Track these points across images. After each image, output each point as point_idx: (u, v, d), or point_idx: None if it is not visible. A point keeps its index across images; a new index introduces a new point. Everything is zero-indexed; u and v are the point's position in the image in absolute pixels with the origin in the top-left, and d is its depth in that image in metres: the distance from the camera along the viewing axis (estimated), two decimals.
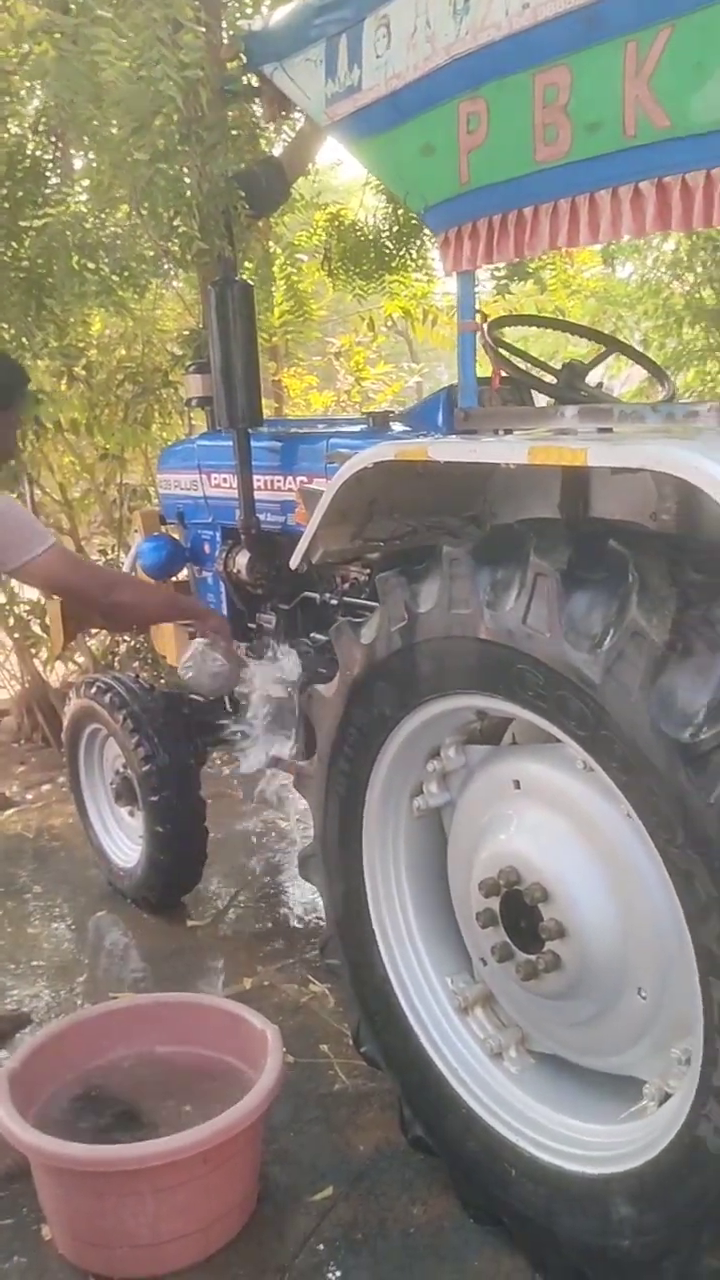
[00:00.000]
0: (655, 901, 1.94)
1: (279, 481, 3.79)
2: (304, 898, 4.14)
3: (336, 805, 2.56)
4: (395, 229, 6.03)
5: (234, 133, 3.01)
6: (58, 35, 2.40)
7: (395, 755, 2.42)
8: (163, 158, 2.78)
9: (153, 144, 2.72)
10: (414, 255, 6.16)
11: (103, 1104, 2.59)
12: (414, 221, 6.10)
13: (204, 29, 2.80)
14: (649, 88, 1.83)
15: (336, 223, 5.89)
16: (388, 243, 6.06)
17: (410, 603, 2.20)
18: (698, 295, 9.31)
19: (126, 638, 6.28)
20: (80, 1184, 2.23)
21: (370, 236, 5.97)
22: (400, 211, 5.99)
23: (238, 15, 2.85)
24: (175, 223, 4.59)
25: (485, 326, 3.16)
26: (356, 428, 3.61)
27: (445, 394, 3.33)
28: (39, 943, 3.90)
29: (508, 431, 2.28)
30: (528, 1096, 2.34)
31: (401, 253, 6.08)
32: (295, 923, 3.96)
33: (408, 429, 3.45)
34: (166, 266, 4.31)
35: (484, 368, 3.67)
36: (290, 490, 3.73)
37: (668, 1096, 2.03)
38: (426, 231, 6.29)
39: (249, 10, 2.87)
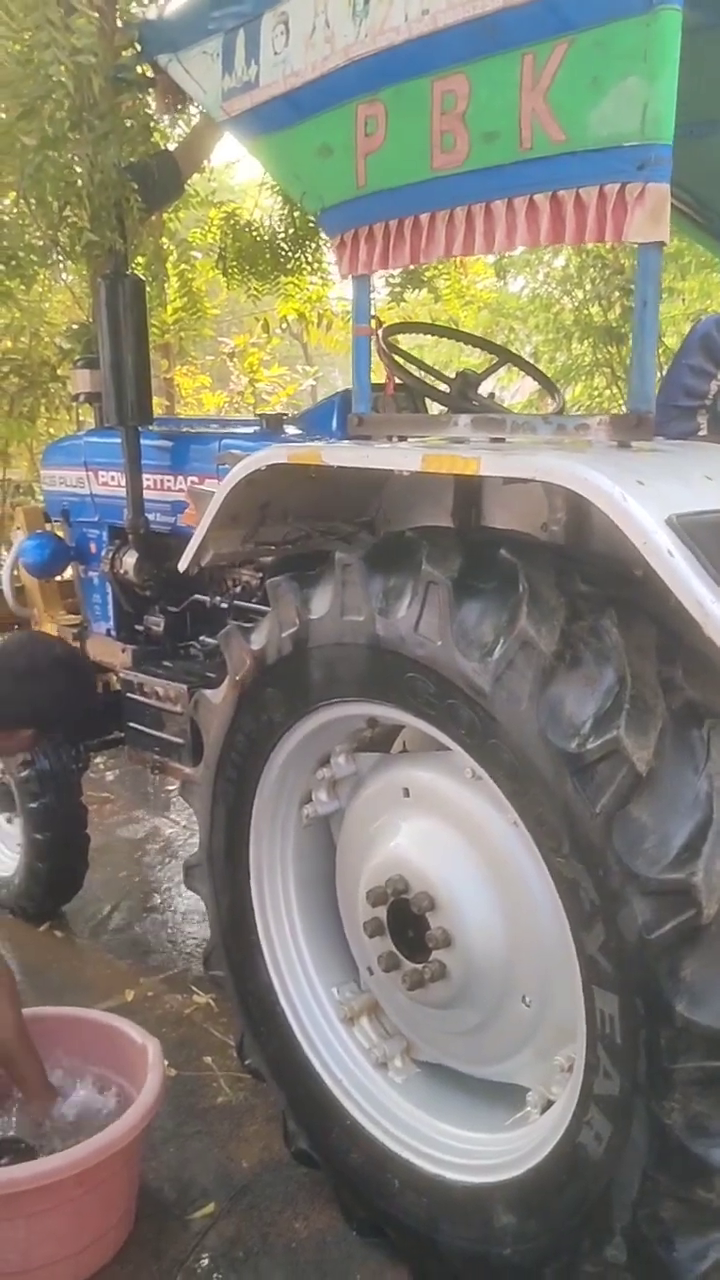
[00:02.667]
0: (540, 910, 1.95)
1: (169, 481, 3.72)
2: (188, 907, 4.07)
3: (223, 813, 2.51)
4: (291, 231, 6.00)
5: (127, 123, 2.92)
6: None
7: (284, 762, 2.38)
8: (51, 145, 2.69)
9: (41, 129, 2.63)
10: (309, 258, 6.14)
11: None
12: (310, 224, 6.08)
13: (97, 14, 2.73)
14: (545, 101, 1.84)
15: (232, 221, 5.82)
16: (283, 244, 6.02)
17: (302, 608, 2.17)
18: (586, 311, 9.54)
19: None
20: None
21: (266, 237, 5.93)
22: (296, 214, 5.96)
23: (131, 3, 2.76)
24: (65, 213, 4.48)
25: (380, 332, 3.16)
26: (249, 430, 3.57)
27: (340, 399, 3.32)
28: None
29: (402, 438, 2.27)
30: (412, 1106, 2.33)
31: (297, 255, 6.06)
32: (179, 933, 3.89)
33: (301, 432, 3.43)
34: (55, 258, 4.19)
35: (379, 374, 3.68)
36: (181, 491, 3.66)
37: (550, 1104, 2.04)
38: (323, 235, 6.31)
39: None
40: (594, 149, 1.79)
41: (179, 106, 2.92)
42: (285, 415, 3.51)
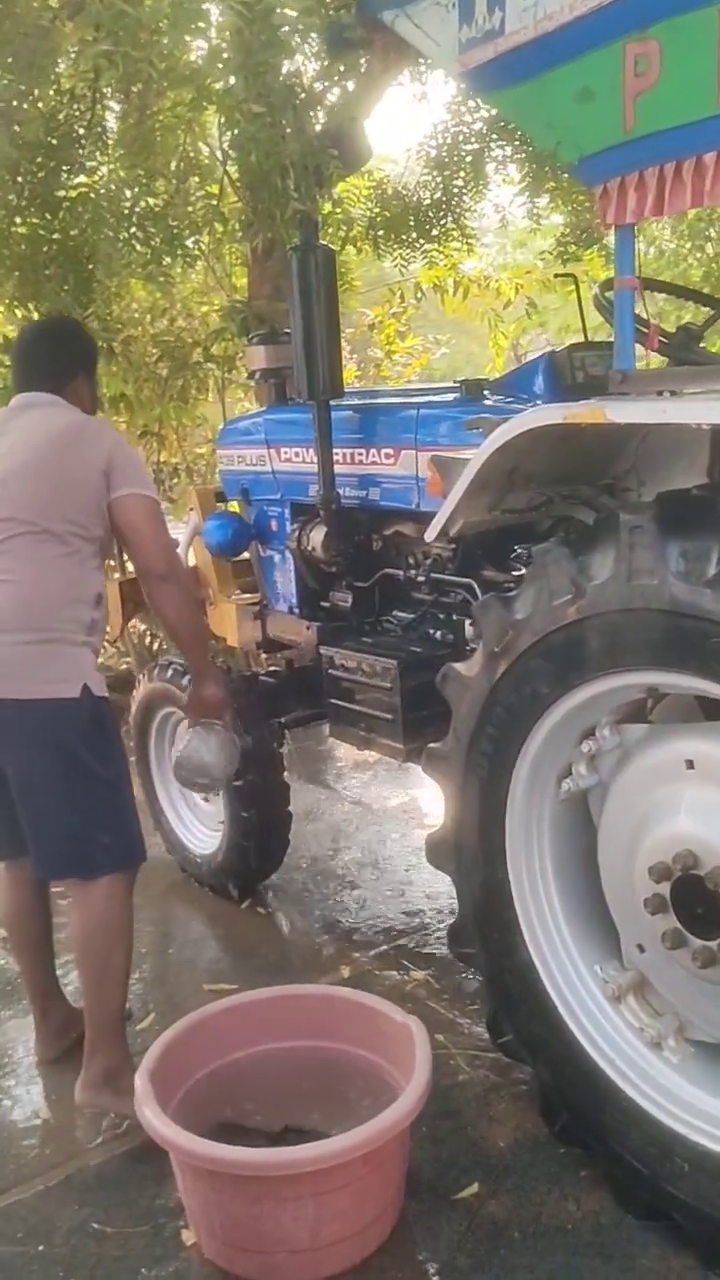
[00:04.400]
0: None
1: (360, 455, 3.67)
2: (385, 882, 4.05)
3: (476, 788, 2.45)
4: (436, 197, 5.90)
5: (334, 87, 2.86)
6: None
7: (546, 736, 2.31)
8: (275, 111, 2.64)
9: (265, 96, 2.58)
10: (454, 224, 6.03)
11: (240, 1102, 2.49)
12: (456, 190, 5.97)
13: None
14: None
15: (381, 190, 5.73)
16: (429, 211, 5.91)
17: (578, 575, 2.09)
18: (716, 265, 9.19)
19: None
20: (236, 1189, 2.13)
21: (412, 204, 5.82)
22: (441, 179, 5.86)
23: None
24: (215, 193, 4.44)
25: (598, 288, 3.05)
26: (446, 398, 3.48)
27: (547, 360, 3.22)
28: None
29: (672, 393, 2.17)
30: (694, 1087, 2.25)
31: (443, 221, 5.94)
32: (381, 909, 3.86)
33: (502, 397, 3.33)
34: (234, 231, 4.15)
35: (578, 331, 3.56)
36: (373, 464, 3.61)
37: None
38: (466, 199, 6.18)
39: None
40: None
41: (398, 64, 2.84)
42: (485, 380, 3.41)
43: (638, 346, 2.32)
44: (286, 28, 2.42)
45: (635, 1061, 2.33)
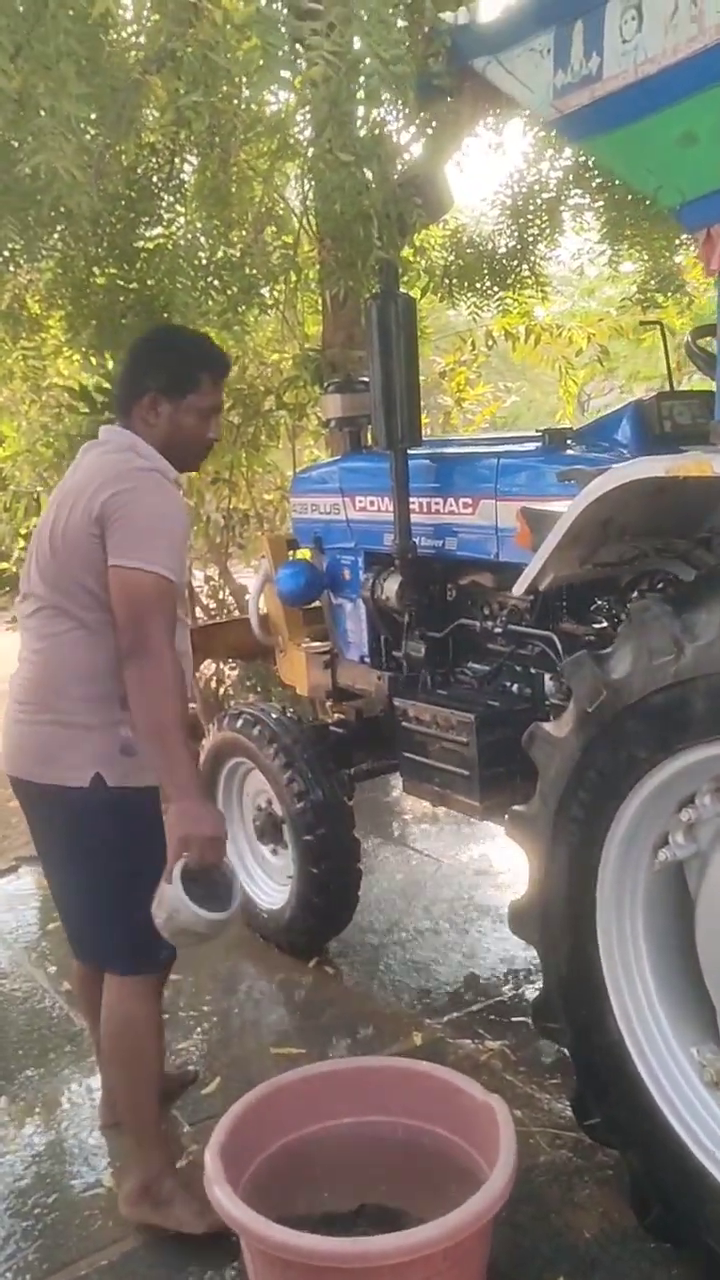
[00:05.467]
0: None
1: (437, 504, 3.60)
2: (460, 945, 3.92)
3: (566, 855, 2.34)
4: (511, 245, 5.87)
5: (429, 132, 2.83)
6: (263, 27, 2.25)
7: (643, 802, 2.20)
8: (362, 161, 2.61)
9: (352, 145, 2.55)
10: (529, 271, 5.99)
11: (313, 1180, 2.37)
12: (530, 238, 5.95)
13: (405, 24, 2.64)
14: None
15: (456, 238, 5.72)
16: (503, 260, 5.89)
17: (681, 634, 1.98)
18: None
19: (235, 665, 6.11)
20: (311, 1278, 2.01)
21: (487, 252, 5.80)
22: (518, 226, 5.84)
23: (434, 8, 2.66)
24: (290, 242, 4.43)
25: (689, 336, 2.97)
26: (528, 446, 3.41)
27: (633, 409, 3.14)
28: (181, 990, 3.69)
29: None
30: None
31: (517, 269, 5.91)
32: (455, 972, 3.73)
33: (585, 447, 3.25)
34: (306, 279, 4.14)
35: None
36: (451, 513, 3.54)
37: None
38: (541, 247, 6.15)
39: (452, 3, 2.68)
40: None
41: (489, 111, 2.80)
42: (569, 429, 3.33)
43: None
44: (375, 76, 2.39)
45: None
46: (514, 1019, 3.35)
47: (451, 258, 5.75)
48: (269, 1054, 3.25)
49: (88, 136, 2.89)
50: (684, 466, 1.99)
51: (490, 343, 7.18)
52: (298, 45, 2.43)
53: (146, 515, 2.34)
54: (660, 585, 2.87)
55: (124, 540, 2.30)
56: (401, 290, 3.50)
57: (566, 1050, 2.48)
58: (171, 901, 2.20)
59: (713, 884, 2.20)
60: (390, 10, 2.44)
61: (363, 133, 2.54)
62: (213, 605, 6.55)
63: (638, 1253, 2.38)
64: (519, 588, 2.53)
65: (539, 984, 2.62)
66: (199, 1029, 3.45)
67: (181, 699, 2.33)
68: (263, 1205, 2.16)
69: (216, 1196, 2.09)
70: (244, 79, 2.43)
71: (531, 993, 3.44)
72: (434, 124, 2.89)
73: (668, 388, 3.76)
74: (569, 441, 3.27)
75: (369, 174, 2.81)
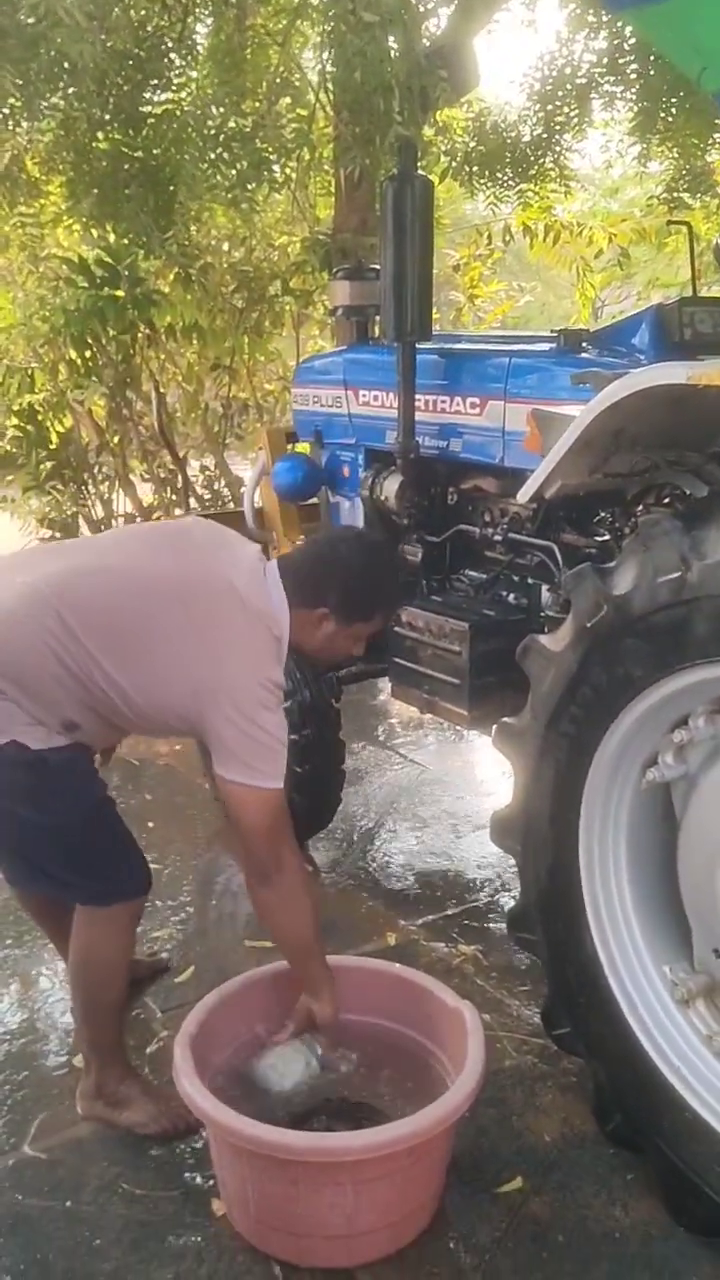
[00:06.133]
0: None
1: (443, 403, 3.48)
2: (441, 848, 3.94)
3: (553, 769, 2.30)
4: (536, 133, 5.60)
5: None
6: None
7: (635, 721, 2.15)
8: (387, 25, 2.43)
9: (376, 7, 2.37)
10: (553, 164, 5.73)
11: (281, 1075, 2.39)
12: (557, 127, 5.67)
13: None
14: None
15: (478, 123, 5.45)
16: (527, 149, 5.62)
17: (690, 552, 1.91)
18: None
19: None
20: (275, 1170, 2.04)
21: (510, 140, 5.53)
22: (545, 114, 5.56)
23: None
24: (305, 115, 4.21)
25: (718, 239, 2.82)
26: (543, 347, 3.28)
27: (653, 313, 3.01)
28: (159, 880, 3.68)
29: None
30: None
31: (541, 160, 5.65)
32: (432, 876, 3.75)
33: (601, 352, 3.12)
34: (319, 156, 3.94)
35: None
36: (457, 413, 3.43)
37: None
38: (568, 138, 5.87)
39: None
40: None
41: None
42: (585, 331, 3.20)
43: None
44: None
45: (700, 1070, 2.20)
46: (488, 925, 3.38)
47: (474, 143, 5.48)
48: (243, 946, 3.27)
49: None
50: (707, 375, 1.89)
51: (508, 237, 6.91)
52: None
53: (263, 732, 2.26)
54: (667, 500, 2.79)
55: (245, 756, 2.24)
56: (420, 173, 3.33)
57: (541, 962, 2.48)
58: (270, 1064, 2.38)
59: (698, 806, 2.17)
60: None
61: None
62: (208, 496, 6.42)
63: (596, 1158, 2.41)
64: (524, 493, 2.44)
65: (516, 892, 2.61)
66: (175, 918, 3.48)
67: (315, 909, 2.42)
68: (230, 1097, 2.19)
69: (184, 1088, 2.10)
70: None
71: (508, 900, 3.45)
72: None
73: (690, 293, 3.61)
74: (584, 344, 3.14)
75: (393, 41, 2.62)
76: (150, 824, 4.13)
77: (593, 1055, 2.38)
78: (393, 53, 2.59)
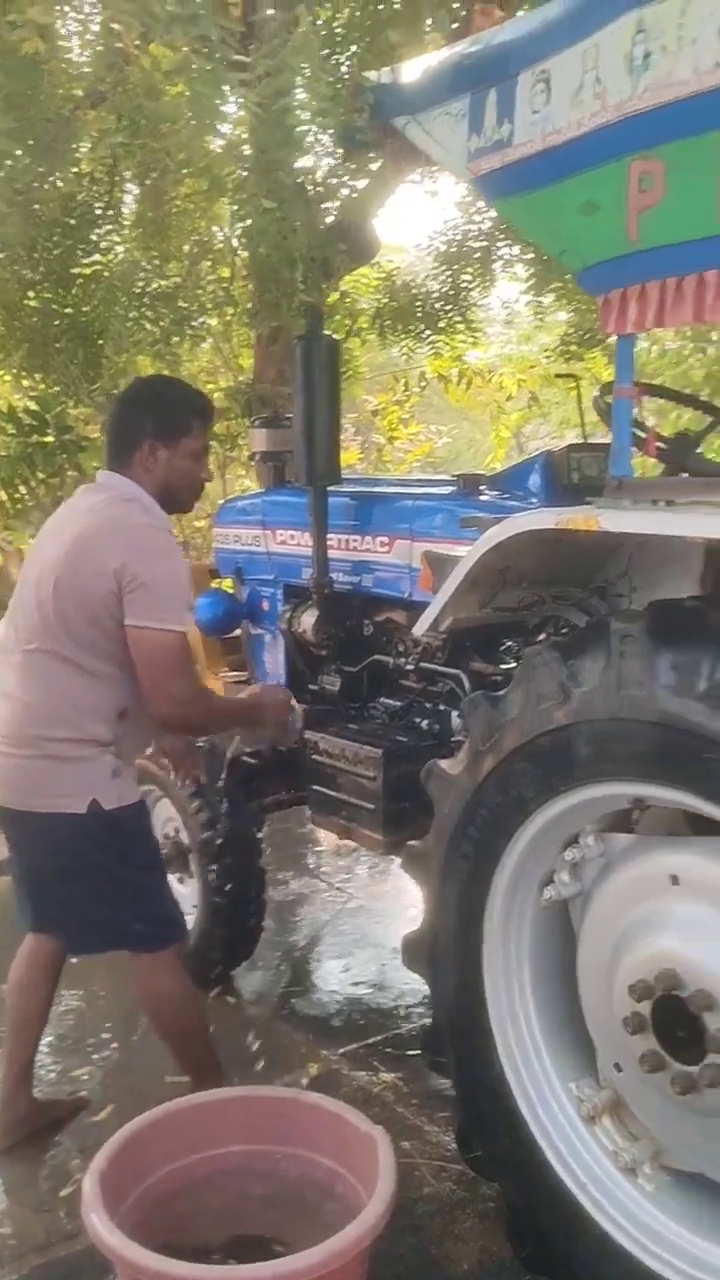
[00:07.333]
0: None
1: (355, 541, 3.67)
2: (359, 977, 3.95)
3: (455, 891, 2.39)
4: (444, 290, 6.01)
5: (344, 184, 2.92)
6: (194, 77, 2.32)
7: (530, 841, 2.26)
8: (286, 207, 2.69)
9: (279, 191, 2.63)
10: (461, 316, 6.13)
11: (194, 1210, 2.37)
12: (465, 285, 6.09)
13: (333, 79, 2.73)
14: None
15: (390, 281, 5.85)
16: (436, 303, 6.02)
17: (567, 680, 2.06)
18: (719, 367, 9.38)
19: None
20: None
21: (420, 296, 5.93)
22: (451, 273, 5.98)
23: (359, 67, 2.77)
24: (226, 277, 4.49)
25: (597, 391, 3.08)
26: (444, 490, 3.50)
27: (544, 459, 3.24)
28: (82, 1019, 3.67)
29: (668, 502, 2.16)
30: (668, 1219, 2.16)
31: (450, 313, 6.05)
32: (353, 1005, 3.76)
33: (499, 493, 3.35)
34: (230, 318, 4.22)
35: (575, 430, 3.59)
36: (368, 551, 3.62)
37: None
38: (473, 294, 6.30)
39: (375, 62, 2.78)
40: None
41: (409, 167, 2.90)
42: (483, 475, 3.43)
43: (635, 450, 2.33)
44: (301, 128, 2.47)
45: (608, 1188, 2.24)
46: (410, 1052, 3.38)
47: (385, 299, 5.87)
48: (164, 1082, 3.23)
49: (18, 165, 2.93)
50: (572, 520, 2.07)
51: (423, 383, 7.31)
52: (226, 91, 2.50)
53: (166, 579, 2.60)
54: (565, 630, 2.96)
55: (151, 596, 2.56)
56: (326, 333, 3.59)
57: (452, 1084, 2.52)
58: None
59: (594, 922, 2.27)
60: (320, 65, 2.52)
61: (289, 180, 2.61)
62: None
63: None
64: (419, 628, 2.60)
65: None
66: (97, 1055, 3.44)
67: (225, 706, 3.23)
68: (143, 1232, 2.17)
69: (93, 1223, 2.08)
70: (174, 124, 2.50)
71: None
72: (361, 174, 2.97)
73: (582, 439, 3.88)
74: (482, 487, 3.36)
75: (296, 220, 2.88)
76: (73, 960, 4.08)
77: (505, 1178, 2.40)
78: (295, 229, 2.85)
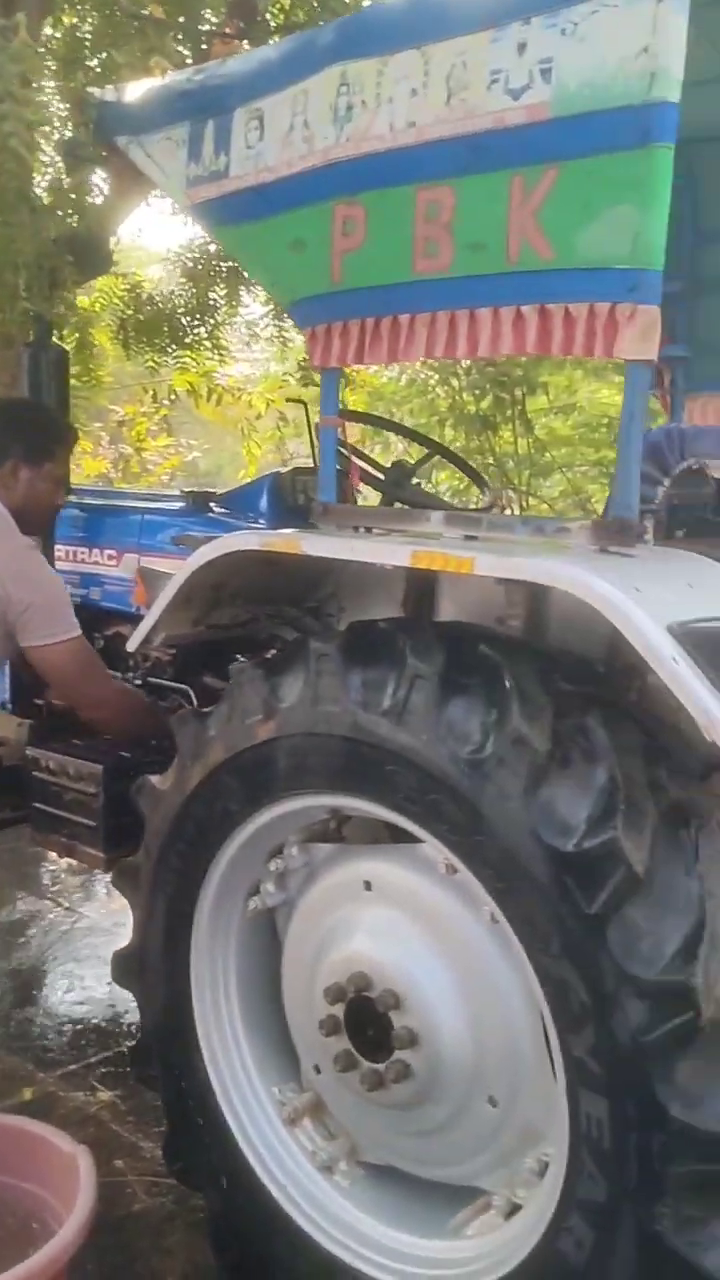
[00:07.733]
0: (513, 1009, 1.95)
1: (84, 554, 3.64)
2: (81, 997, 3.88)
3: (164, 905, 2.42)
4: (191, 305, 6.02)
5: (73, 197, 2.90)
6: None
7: (235, 853, 2.32)
8: (8, 212, 2.64)
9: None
10: (208, 333, 6.17)
11: None
12: (210, 302, 6.13)
13: (53, 89, 2.71)
14: (535, 219, 1.90)
15: (135, 293, 5.81)
16: (182, 319, 6.03)
17: (269, 696, 2.13)
18: (460, 399, 9.87)
19: None
20: None
21: (166, 310, 5.92)
22: (195, 289, 6.00)
23: (85, 83, 2.77)
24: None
25: (318, 419, 3.20)
26: (173, 505, 3.53)
27: (270, 481, 3.34)
28: None
29: (369, 530, 2.29)
30: (361, 1212, 2.26)
31: (196, 329, 6.07)
32: (74, 1025, 3.69)
33: (228, 512, 3.41)
34: None
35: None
36: (95, 564, 3.60)
37: (516, 1209, 2.01)
38: (221, 311, 6.35)
39: (102, 79, 2.79)
40: (583, 268, 1.87)
41: (134, 186, 2.92)
42: (211, 493, 3.48)
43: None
44: (15, 140, 2.44)
45: (306, 1186, 2.32)
46: (128, 1070, 3.36)
47: (130, 311, 5.82)
48: None
49: None
50: (275, 543, 2.15)
51: (172, 396, 7.29)
52: None
53: (49, 593, 2.82)
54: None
55: (42, 623, 2.74)
56: (55, 343, 3.54)
57: (160, 1096, 2.53)
58: None
59: (297, 931, 2.35)
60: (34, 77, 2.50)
61: (11, 185, 2.57)
62: None
63: None
64: (131, 643, 2.61)
65: None
66: None
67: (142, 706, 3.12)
68: None
69: None
70: None
71: None
72: (89, 189, 2.96)
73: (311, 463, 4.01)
74: (212, 505, 3.42)
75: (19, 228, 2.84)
76: None
77: (209, 1186, 2.44)
78: (13, 237, 2.81)
